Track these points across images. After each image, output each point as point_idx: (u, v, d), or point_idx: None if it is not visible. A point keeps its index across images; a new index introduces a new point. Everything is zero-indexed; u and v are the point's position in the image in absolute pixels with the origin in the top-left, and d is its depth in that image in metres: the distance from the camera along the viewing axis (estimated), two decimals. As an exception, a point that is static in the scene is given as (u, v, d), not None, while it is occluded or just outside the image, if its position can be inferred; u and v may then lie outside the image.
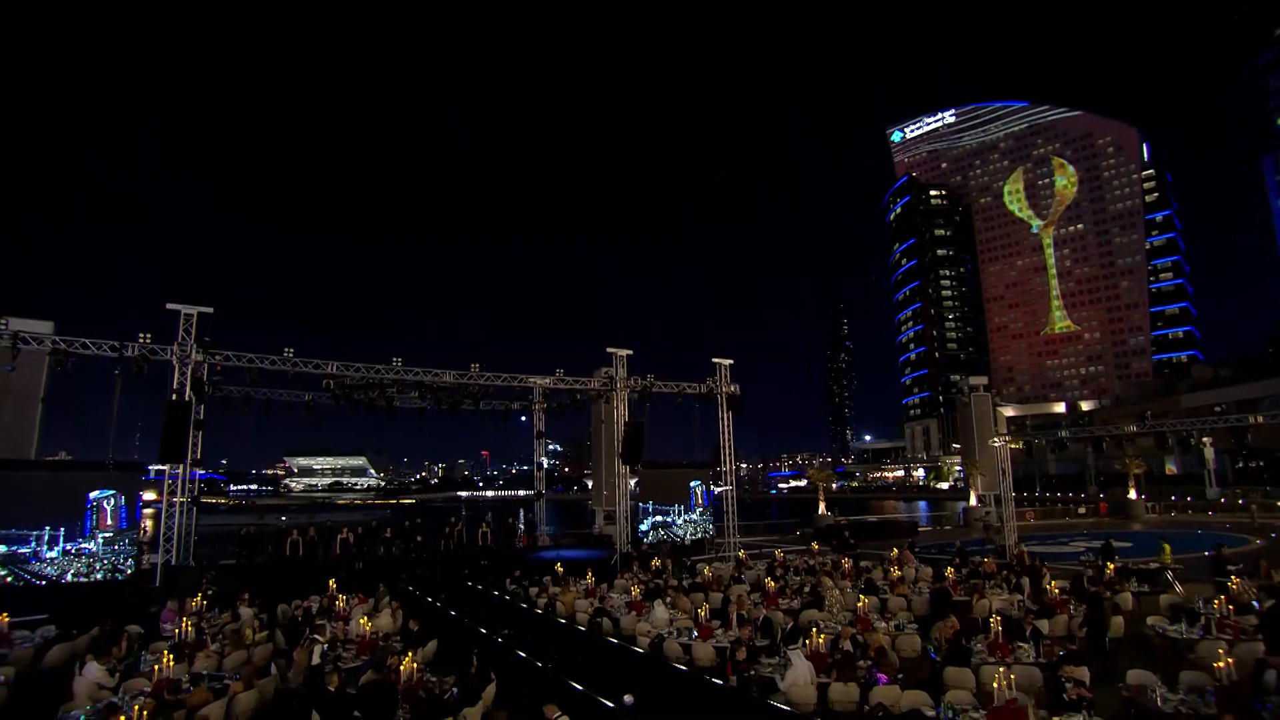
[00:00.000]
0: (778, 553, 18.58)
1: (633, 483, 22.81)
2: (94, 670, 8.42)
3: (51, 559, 14.66)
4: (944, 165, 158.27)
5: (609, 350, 21.48)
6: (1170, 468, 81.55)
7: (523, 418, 25.53)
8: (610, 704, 6.84)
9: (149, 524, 18.87)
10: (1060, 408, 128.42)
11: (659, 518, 21.83)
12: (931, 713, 6.85)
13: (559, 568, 16.18)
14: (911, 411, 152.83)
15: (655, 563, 17.55)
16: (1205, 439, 62.92)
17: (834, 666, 8.26)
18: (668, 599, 13.03)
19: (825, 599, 13.08)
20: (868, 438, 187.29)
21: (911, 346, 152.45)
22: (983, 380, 44.75)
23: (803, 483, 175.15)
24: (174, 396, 14.99)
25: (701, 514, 22.71)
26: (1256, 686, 7.47)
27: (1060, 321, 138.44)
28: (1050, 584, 13.00)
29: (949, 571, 14.66)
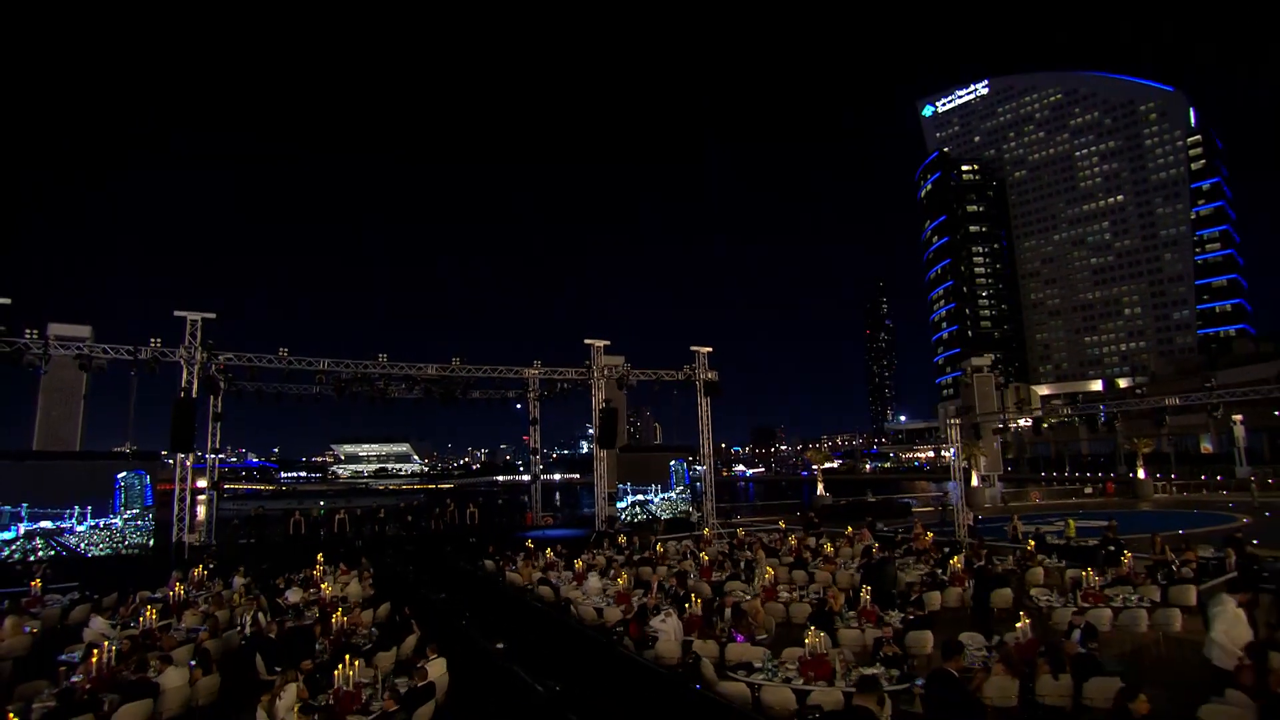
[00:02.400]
0: (740, 531, 19.85)
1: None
2: (98, 623, 10.29)
3: (81, 532, 16.89)
4: (977, 139, 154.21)
5: (586, 342, 22.88)
6: (1206, 446, 79.58)
7: (518, 405, 27.15)
8: (492, 647, 8.31)
9: (201, 510, 21.21)
10: (1098, 385, 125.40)
11: (638, 496, 23.24)
12: (759, 664, 8.12)
13: (530, 544, 17.77)
14: (945, 391, 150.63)
15: (621, 539, 19.02)
16: (1236, 416, 61.72)
17: (705, 626, 9.58)
18: (611, 572, 14.48)
19: (756, 572, 14.37)
20: (903, 418, 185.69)
21: (944, 325, 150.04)
22: (986, 361, 45.08)
23: (835, 464, 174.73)
24: (182, 394, 16.97)
25: (679, 493, 24.07)
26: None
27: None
28: (955, 560, 14.00)
29: (875, 549, 15.73)
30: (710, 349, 24.49)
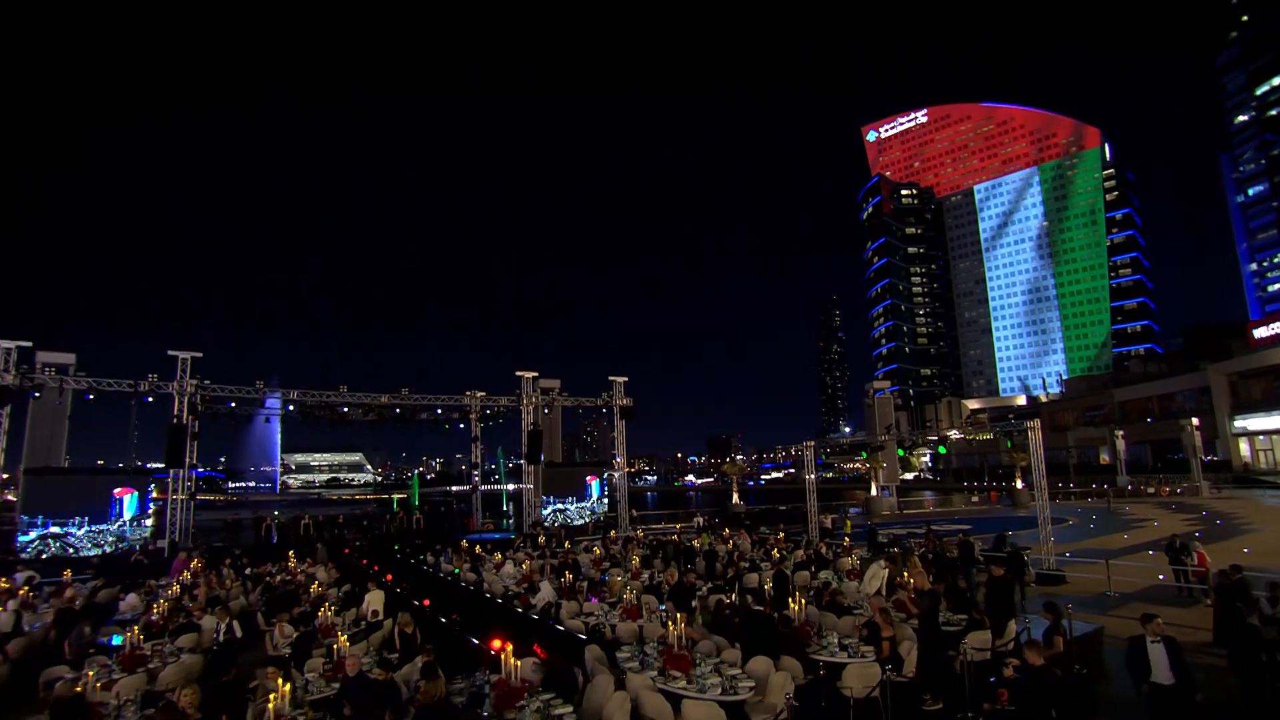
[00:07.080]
0: (639, 532, 24.25)
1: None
2: (132, 598, 14.05)
3: (80, 535, 20.36)
4: (916, 164, 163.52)
5: (518, 374, 27.06)
6: (1105, 457, 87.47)
7: (461, 425, 31.04)
8: (416, 604, 12.49)
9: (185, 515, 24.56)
10: (1023, 400, 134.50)
11: (558, 506, 27.43)
12: (596, 614, 12.46)
13: (464, 543, 21.83)
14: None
15: (541, 539, 23.20)
16: (1119, 431, 69.04)
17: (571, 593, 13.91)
18: (522, 563, 18.70)
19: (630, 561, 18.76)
20: (847, 430, 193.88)
21: (883, 341, 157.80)
22: (885, 384, 50.59)
23: (780, 474, 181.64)
24: (175, 420, 20.56)
25: (592, 504, 28.35)
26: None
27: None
28: (794, 553, 18.60)
29: (729, 544, 20.29)
30: (626, 378, 28.92)
